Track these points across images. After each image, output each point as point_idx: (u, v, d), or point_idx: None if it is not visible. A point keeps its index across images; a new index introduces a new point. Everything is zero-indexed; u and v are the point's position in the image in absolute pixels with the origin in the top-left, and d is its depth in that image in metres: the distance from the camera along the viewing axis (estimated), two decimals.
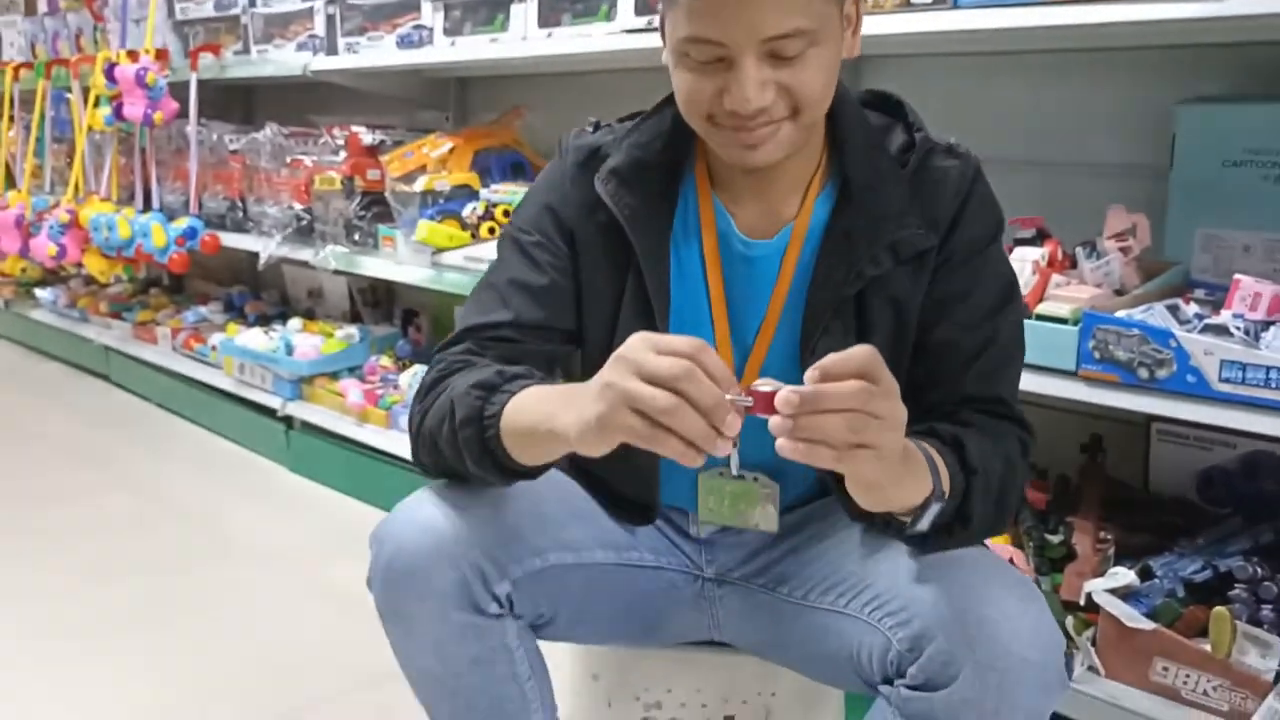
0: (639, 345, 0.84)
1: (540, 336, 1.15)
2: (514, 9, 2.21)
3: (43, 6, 4.07)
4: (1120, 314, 1.40)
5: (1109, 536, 1.55)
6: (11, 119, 4.12)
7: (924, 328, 1.09)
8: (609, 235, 1.13)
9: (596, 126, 1.21)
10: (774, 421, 0.81)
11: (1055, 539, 1.61)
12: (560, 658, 1.34)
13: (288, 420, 2.93)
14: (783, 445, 0.80)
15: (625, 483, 1.21)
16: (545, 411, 0.95)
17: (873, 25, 1.60)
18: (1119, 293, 1.53)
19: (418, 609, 1.05)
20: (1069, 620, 1.48)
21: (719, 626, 1.25)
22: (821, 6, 0.96)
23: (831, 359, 0.81)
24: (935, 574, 1.00)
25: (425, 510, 1.08)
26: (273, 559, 2.37)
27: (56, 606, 2.12)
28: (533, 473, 1.05)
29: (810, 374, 0.81)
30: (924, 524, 0.94)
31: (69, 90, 3.70)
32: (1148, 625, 1.40)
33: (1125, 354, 1.38)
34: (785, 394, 0.80)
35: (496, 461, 1.01)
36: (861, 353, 0.81)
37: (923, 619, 0.98)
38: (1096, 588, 1.45)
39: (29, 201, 3.82)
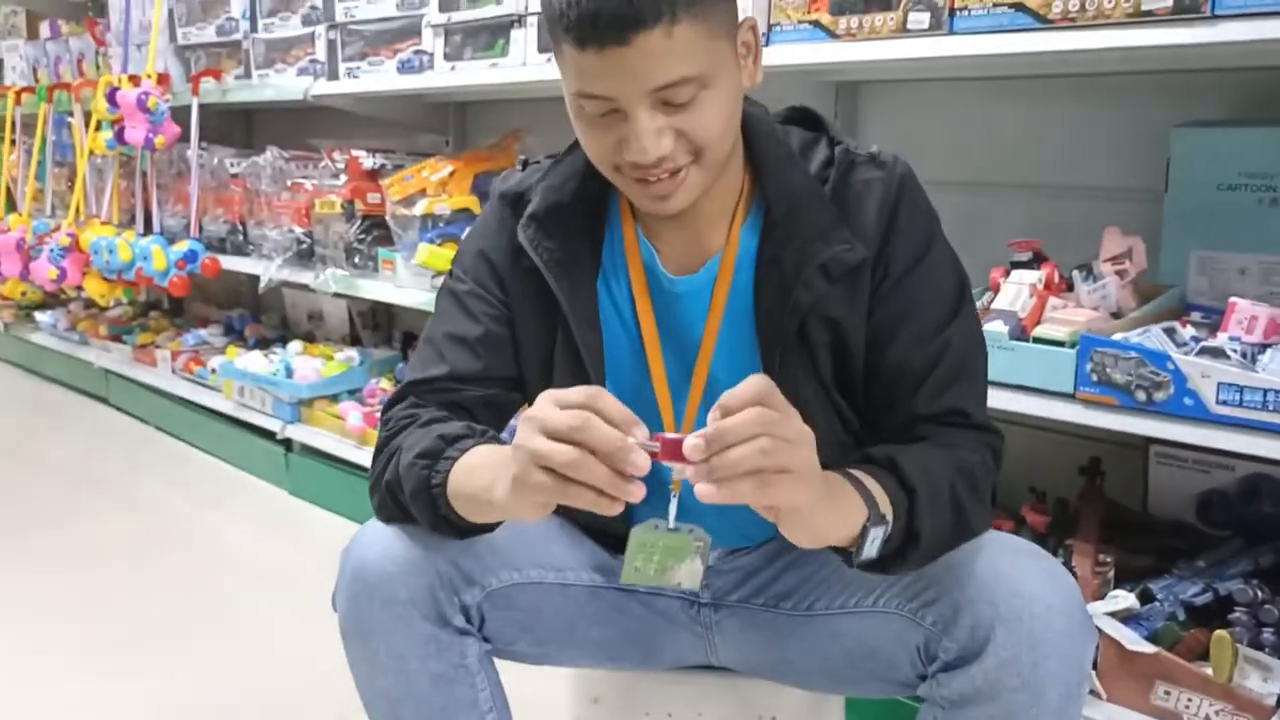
0: (541, 402, 0.87)
1: (480, 386, 1.15)
2: (514, 34, 2.22)
3: (45, 31, 4.09)
4: (1117, 337, 1.41)
5: (1108, 559, 1.55)
6: (13, 143, 4.14)
7: (874, 349, 1.08)
8: (536, 281, 1.13)
9: (524, 164, 1.21)
10: (689, 471, 0.82)
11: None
12: (560, 681, 1.34)
13: (287, 443, 2.93)
14: (701, 490, 0.82)
15: (598, 516, 1.21)
16: (484, 481, 0.96)
17: (869, 50, 1.62)
18: (1115, 316, 1.54)
19: (381, 619, 1.05)
20: None
21: (716, 651, 1.24)
22: (707, 48, 0.96)
23: (726, 395, 0.83)
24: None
25: (394, 525, 1.09)
26: (273, 581, 2.36)
27: (57, 628, 2.11)
28: (490, 529, 1.06)
29: (711, 415, 0.83)
30: (871, 551, 0.94)
31: (70, 114, 3.72)
32: (1148, 649, 1.39)
33: (1123, 377, 1.38)
34: (691, 440, 0.82)
35: (452, 525, 1.03)
36: (754, 382, 0.84)
37: (946, 593, 0.98)
38: (1097, 611, 1.45)
39: (30, 225, 3.83)
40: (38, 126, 3.90)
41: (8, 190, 4.22)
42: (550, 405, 0.86)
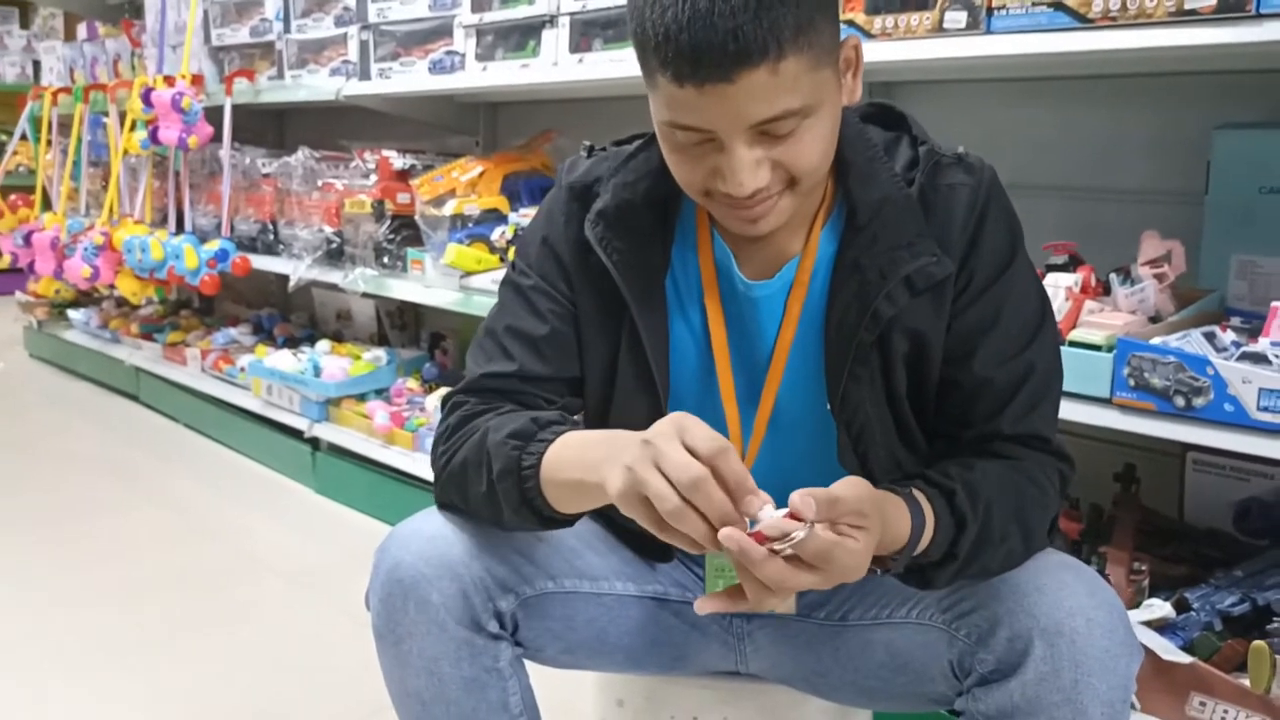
0: (668, 432, 0.85)
1: (547, 388, 1.12)
2: (545, 35, 2.22)
3: (82, 33, 4.14)
4: (1156, 341, 1.39)
5: (1144, 568, 1.52)
6: (49, 143, 4.19)
7: (953, 362, 1.04)
8: (603, 278, 1.09)
9: (590, 151, 1.16)
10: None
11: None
12: (584, 684, 1.33)
13: (314, 442, 2.94)
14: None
15: None
16: (589, 462, 0.93)
17: (904, 50, 1.60)
18: (1154, 320, 1.51)
19: (415, 621, 1.03)
20: None
21: (746, 661, 1.22)
22: (812, 78, 0.91)
23: (828, 500, 0.83)
24: None
25: (431, 524, 1.07)
26: (298, 579, 2.37)
27: (83, 621, 2.13)
28: (571, 520, 1.04)
29: (801, 501, 0.82)
30: (898, 568, 0.94)
31: (106, 115, 3.76)
32: (1184, 659, 1.37)
33: (1161, 382, 1.36)
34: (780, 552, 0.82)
35: (535, 511, 1.00)
36: (853, 496, 0.84)
37: (983, 606, 0.96)
38: (1131, 620, 1.42)
39: (64, 224, 3.88)
40: (74, 126, 3.95)
41: (44, 190, 4.28)
42: (675, 442, 0.83)
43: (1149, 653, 1.38)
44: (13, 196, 4.32)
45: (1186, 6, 1.30)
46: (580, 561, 1.16)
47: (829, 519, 0.83)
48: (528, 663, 1.15)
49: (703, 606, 0.89)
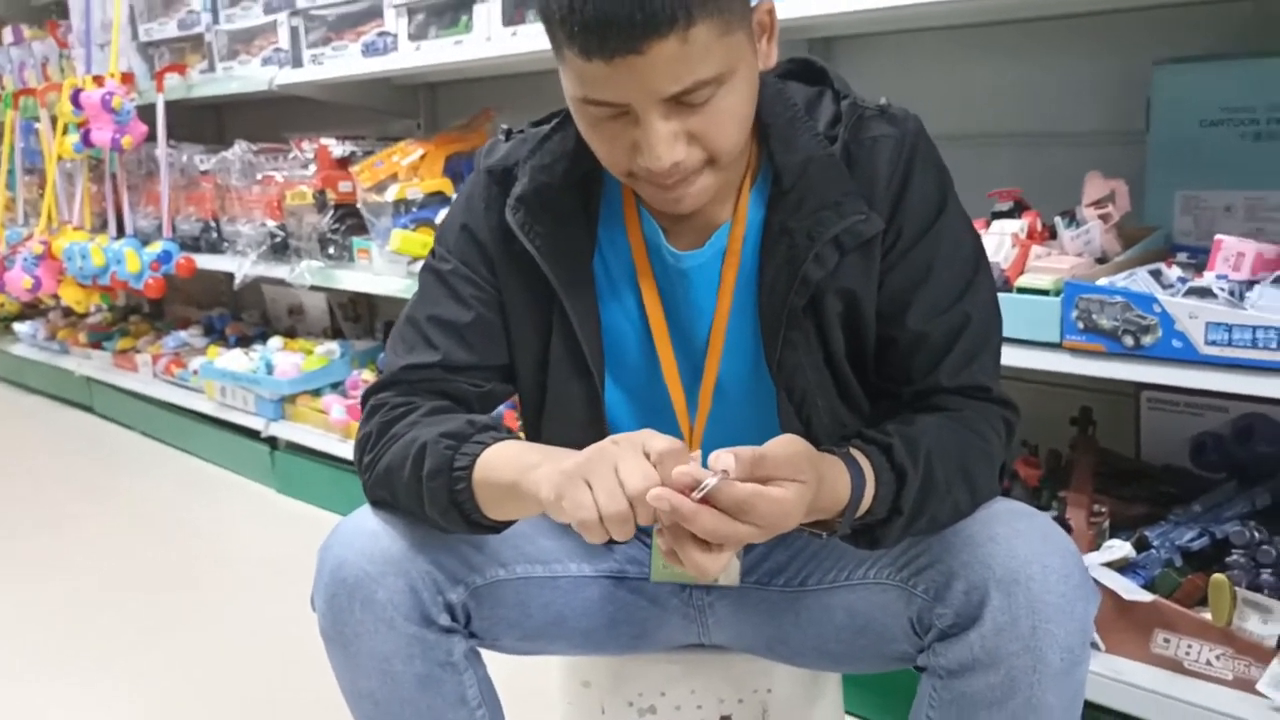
0: (607, 457, 0.85)
1: (474, 377, 1.09)
2: (477, 9, 2.18)
3: (8, 36, 4.03)
4: (1102, 282, 1.38)
5: (1103, 509, 1.52)
6: None
7: (888, 318, 1.02)
8: (528, 264, 1.06)
9: (508, 135, 1.13)
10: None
11: (1050, 515, 1.58)
12: (549, 667, 1.31)
13: (272, 441, 2.90)
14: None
15: None
16: (525, 464, 0.92)
17: (834, 3, 1.58)
18: (1101, 261, 1.50)
19: (363, 621, 0.99)
20: None
21: (709, 633, 1.20)
22: (724, 44, 0.88)
23: (754, 457, 0.83)
24: None
25: (372, 520, 1.03)
26: (263, 577, 2.33)
27: (47, 632, 2.09)
28: (500, 528, 1.01)
29: (717, 455, 0.83)
30: (845, 529, 0.93)
31: (37, 120, 3.67)
32: (1146, 597, 1.37)
33: (1109, 322, 1.35)
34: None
35: (464, 514, 0.98)
36: (783, 452, 0.85)
37: (939, 560, 0.95)
38: (1092, 562, 1.42)
39: (2, 235, 3.79)
40: (5, 134, 3.85)
41: None
42: (638, 452, 0.84)
43: (1111, 593, 1.39)
44: None
45: None
46: (531, 546, 1.13)
47: (757, 476, 0.82)
48: (487, 652, 1.13)
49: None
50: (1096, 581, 1.40)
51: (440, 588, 1.03)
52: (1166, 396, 1.63)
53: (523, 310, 1.09)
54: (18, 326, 4.22)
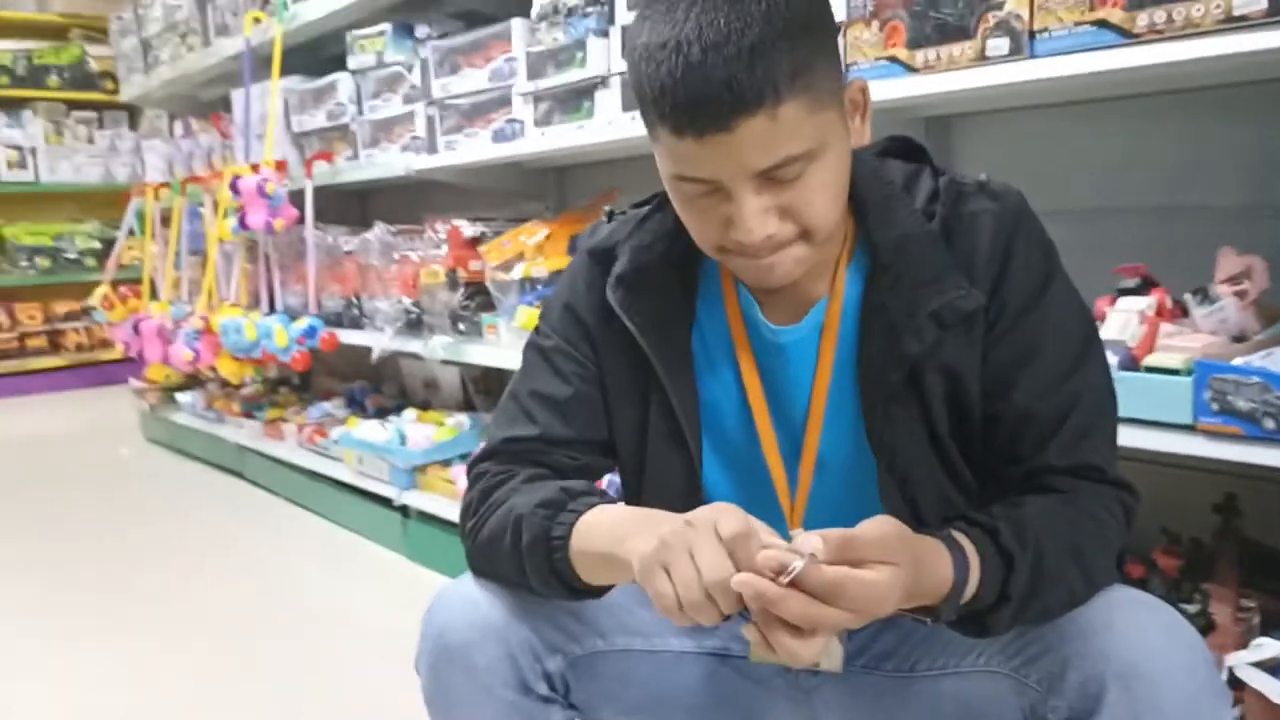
0: (705, 520, 0.85)
1: (571, 450, 1.11)
2: (598, 96, 2.25)
3: (179, 130, 4.37)
4: (1238, 361, 1.31)
5: (1251, 605, 1.43)
6: (153, 235, 4.41)
7: (994, 395, 1.00)
8: (628, 342, 1.08)
9: (610, 216, 1.16)
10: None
11: (1191, 609, 1.48)
12: None
13: (403, 509, 2.99)
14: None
15: None
16: (620, 535, 0.93)
17: (948, 82, 1.57)
18: (1238, 340, 1.43)
19: (462, 687, 1.02)
20: None
21: (817, 717, 1.16)
22: (814, 122, 0.89)
23: (843, 539, 0.82)
24: None
25: (473, 588, 1.06)
26: (389, 641, 2.38)
27: (187, 690, 2.19)
28: (600, 593, 1.02)
29: (802, 537, 0.83)
30: (950, 615, 0.90)
31: (202, 205, 3.95)
32: None
33: (1246, 404, 1.28)
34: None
35: (564, 582, 0.99)
36: (874, 534, 0.83)
37: (1052, 649, 0.91)
38: (1239, 661, 1.32)
39: (169, 311, 4.06)
40: (174, 218, 4.16)
41: (151, 281, 4.50)
42: (710, 534, 0.84)
43: (1260, 697, 1.29)
44: (122, 288, 4.55)
45: (1235, 13, 1.24)
46: (631, 618, 1.13)
47: (848, 559, 0.81)
48: None
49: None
50: (1244, 683, 1.31)
51: (539, 656, 1.05)
52: None
53: (623, 386, 1.11)
54: (180, 396, 4.50)
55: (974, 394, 1.01)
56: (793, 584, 0.80)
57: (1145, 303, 1.47)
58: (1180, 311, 1.50)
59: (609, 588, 1.03)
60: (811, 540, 0.82)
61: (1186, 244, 1.63)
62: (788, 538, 1.09)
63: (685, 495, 1.09)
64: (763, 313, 1.07)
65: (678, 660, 1.15)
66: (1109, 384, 1.03)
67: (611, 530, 0.96)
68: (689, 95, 0.86)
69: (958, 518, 0.96)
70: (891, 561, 0.83)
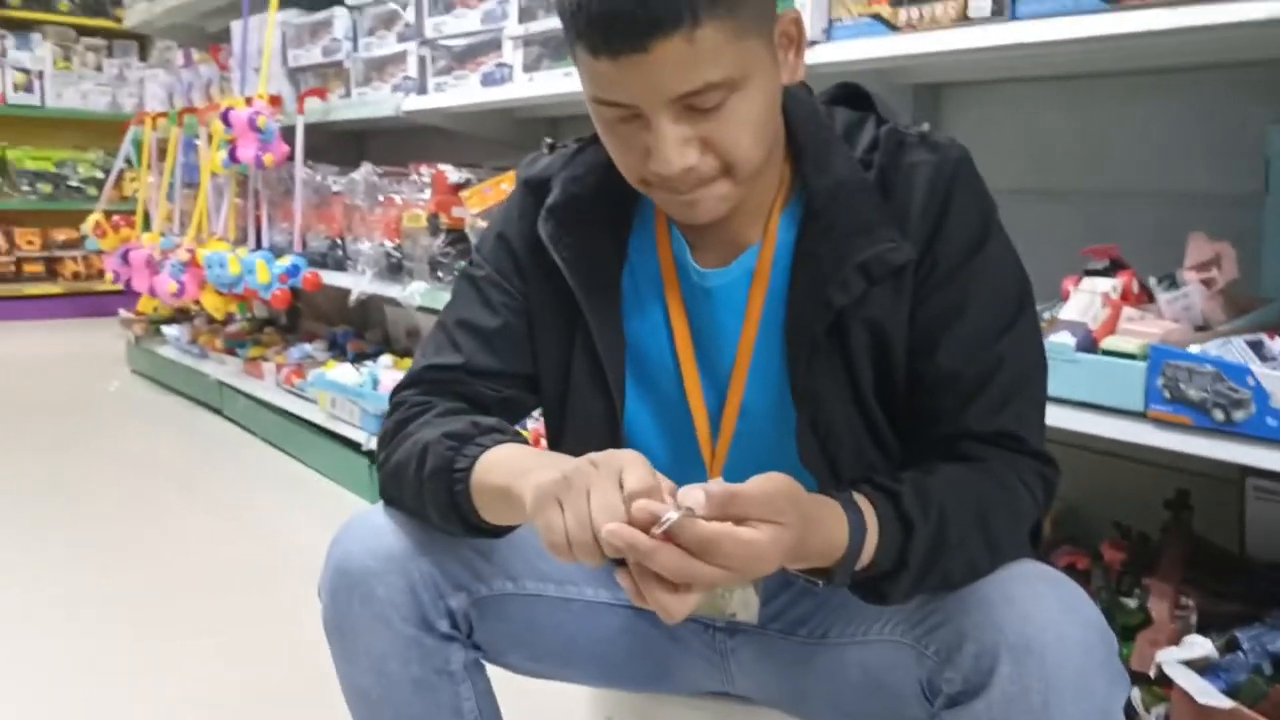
0: (582, 481, 0.81)
1: (495, 382, 1.08)
2: None
3: (179, 60, 4.33)
4: (1194, 349, 1.26)
5: (1190, 603, 1.39)
6: (149, 166, 4.39)
7: (918, 354, 0.96)
8: (557, 275, 1.05)
9: (551, 148, 1.12)
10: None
11: (1131, 603, 1.45)
12: (573, 696, 1.27)
13: (371, 455, 2.96)
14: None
15: None
16: (517, 470, 0.90)
17: (929, 42, 1.52)
18: (1201, 329, 1.38)
19: (360, 616, 0.99)
20: (1137, 693, 1.32)
21: (733, 680, 1.14)
22: (736, 49, 0.86)
23: (726, 494, 0.78)
24: None
25: (381, 517, 1.03)
26: None
27: (126, 615, 2.18)
28: (499, 532, 0.99)
29: (685, 491, 0.79)
30: (844, 579, 0.87)
31: (198, 137, 3.91)
32: (1225, 703, 1.23)
33: (1198, 393, 1.23)
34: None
35: (462, 516, 0.97)
36: (761, 491, 0.79)
37: (950, 619, 0.88)
38: (1169, 658, 1.29)
39: (158, 242, 4.04)
40: (169, 149, 4.12)
41: (145, 211, 4.47)
42: (611, 481, 0.80)
43: (1186, 696, 1.25)
44: (116, 218, 4.52)
45: None
46: (545, 563, 1.10)
47: (731, 514, 0.77)
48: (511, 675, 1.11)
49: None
50: (1172, 680, 1.27)
51: (441, 592, 1.02)
52: (1274, 486, 1.48)
53: (549, 321, 1.08)
54: (166, 329, 4.48)
55: (899, 351, 0.97)
56: (667, 537, 0.77)
57: (1110, 284, 1.42)
58: (1146, 296, 1.45)
59: (510, 529, 1.00)
60: (693, 494, 0.79)
61: (1160, 229, 1.59)
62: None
63: (606, 438, 1.05)
64: (693, 255, 1.03)
65: (591, 610, 1.12)
66: (1039, 352, 0.99)
67: (511, 466, 0.93)
68: (602, 11, 0.83)
69: (863, 480, 0.92)
70: (776, 521, 0.79)
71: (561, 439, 1.10)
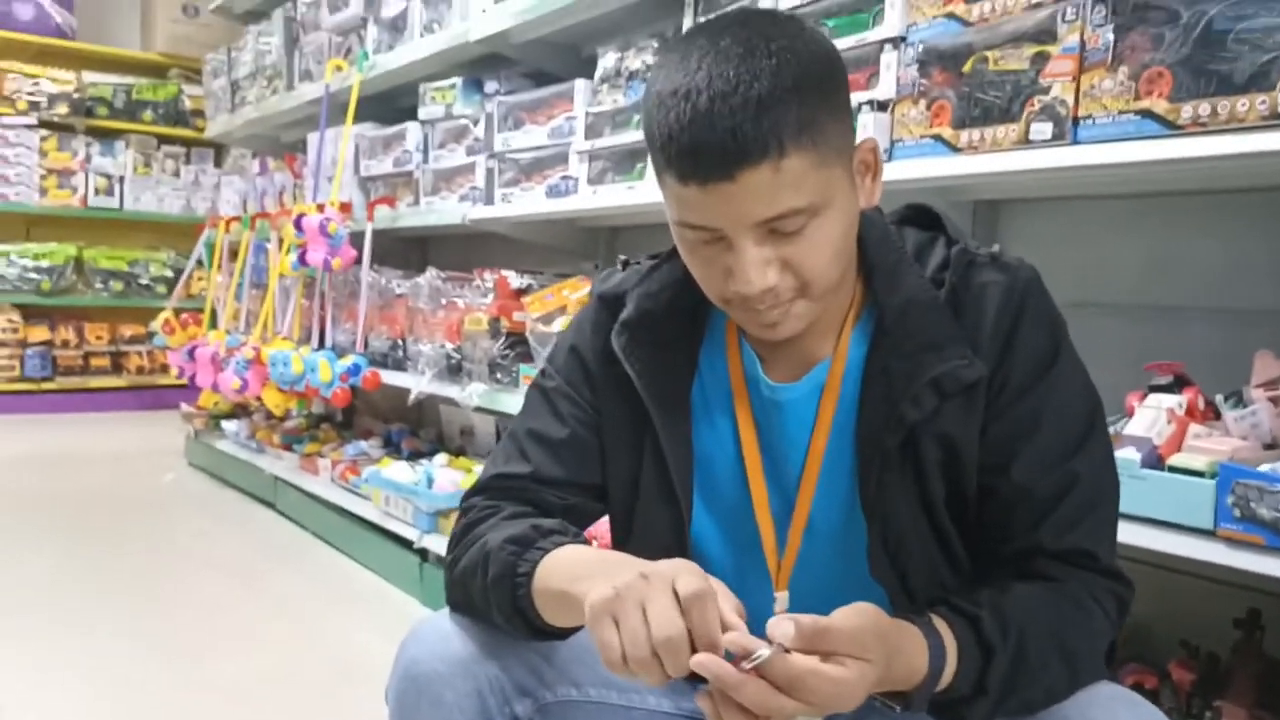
0: (663, 574, 0.82)
1: (562, 491, 1.10)
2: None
3: (255, 168, 4.52)
4: (1264, 468, 1.26)
5: None
6: (220, 266, 4.55)
7: (990, 470, 0.98)
8: (629, 388, 1.08)
9: (625, 265, 1.17)
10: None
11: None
12: None
13: (423, 553, 2.98)
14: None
15: None
16: (577, 575, 0.91)
17: (990, 163, 1.56)
18: (1270, 447, 1.38)
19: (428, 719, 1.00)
20: None
21: None
22: (818, 177, 0.90)
23: (815, 629, 0.79)
24: None
25: (448, 622, 1.05)
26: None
27: (181, 711, 2.18)
28: (563, 634, 1.00)
29: (775, 624, 0.80)
30: (918, 704, 0.87)
31: (268, 240, 4.06)
32: None
33: (1270, 513, 1.23)
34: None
35: (527, 620, 0.98)
36: (849, 626, 0.80)
37: None
38: None
39: (224, 340, 4.16)
40: (240, 251, 4.28)
41: (212, 309, 4.62)
42: (666, 589, 0.81)
43: None
44: (184, 315, 4.67)
45: None
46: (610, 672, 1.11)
47: (819, 649, 0.79)
48: None
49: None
50: None
51: (508, 698, 1.03)
52: None
53: (619, 432, 1.10)
54: (226, 424, 4.57)
55: (970, 466, 0.99)
56: (756, 670, 0.78)
57: (1175, 401, 1.43)
58: (1212, 413, 1.45)
59: (574, 630, 1.01)
60: (783, 625, 0.80)
61: (1225, 346, 1.60)
62: (772, 598, 1.07)
63: (672, 548, 1.07)
64: (764, 369, 1.07)
65: (652, 719, 1.12)
66: (1111, 469, 1.00)
67: (570, 569, 0.94)
68: (693, 142, 0.87)
69: (941, 601, 0.93)
70: (864, 657, 0.80)
71: (627, 547, 1.11)
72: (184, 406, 5.02)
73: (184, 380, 4.55)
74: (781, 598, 1.06)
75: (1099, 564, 0.96)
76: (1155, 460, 1.37)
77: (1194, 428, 1.41)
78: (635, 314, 1.09)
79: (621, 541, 1.12)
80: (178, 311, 4.75)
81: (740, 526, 1.08)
